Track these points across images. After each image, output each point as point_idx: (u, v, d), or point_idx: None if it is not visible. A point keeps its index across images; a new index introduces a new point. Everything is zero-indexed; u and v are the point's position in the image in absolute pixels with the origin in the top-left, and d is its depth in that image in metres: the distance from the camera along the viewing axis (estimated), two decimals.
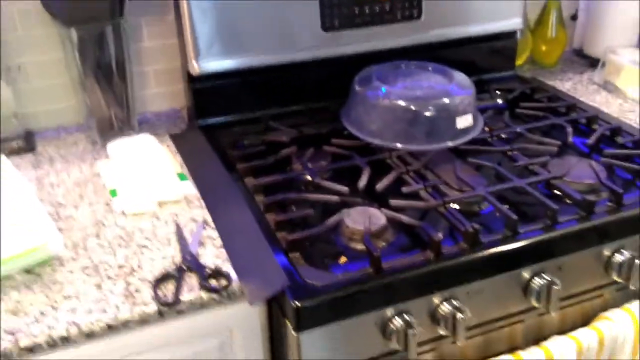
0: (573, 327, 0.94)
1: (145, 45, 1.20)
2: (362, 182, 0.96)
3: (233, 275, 0.79)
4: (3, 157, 0.98)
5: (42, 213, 0.86)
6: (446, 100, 1.03)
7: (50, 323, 0.73)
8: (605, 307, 0.96)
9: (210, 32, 1.10)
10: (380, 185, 0.95)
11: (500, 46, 1.35)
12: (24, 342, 0.71)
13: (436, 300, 0.83)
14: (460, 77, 1.10)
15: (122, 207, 0.93)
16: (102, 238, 0.88)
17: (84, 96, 1.11)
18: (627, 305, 0.95)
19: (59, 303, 0.76)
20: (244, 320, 0.81)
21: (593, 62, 1.43)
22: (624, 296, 0.98)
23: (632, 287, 0.92)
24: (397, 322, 0.80)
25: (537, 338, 0.93)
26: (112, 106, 1.13)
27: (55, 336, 0.71)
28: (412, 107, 1.02)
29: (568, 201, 0.93)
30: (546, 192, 0.96)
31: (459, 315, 0.80)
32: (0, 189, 0.88)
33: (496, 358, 0.86)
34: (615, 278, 0.93)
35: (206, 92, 1.15)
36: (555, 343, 0.88)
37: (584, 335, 0.89)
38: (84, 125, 1.18)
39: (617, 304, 0.96)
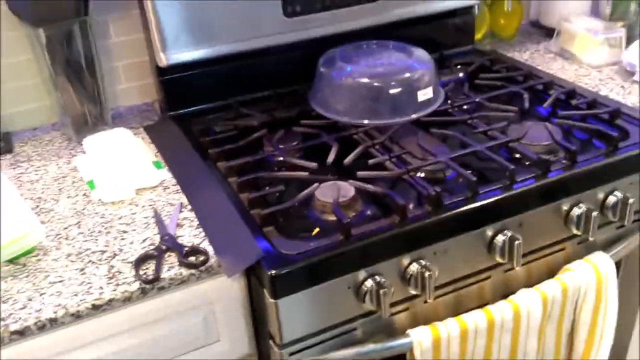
0: (539, 281, 0.98)
1: (113, 42, 1.23)
2: (331, 157, 1.00)
3: (210, 251, 0.83)
4: None
5: (24, 207, 0.89)
6: (407, 75, 1.08)
7: (37, 307, 0.76)
8: (568, 260, 1.01)
9: (175, 24, 1.12)
10: (348, 160, 0.99)
11: (458, 22, 1.40)
12: (14, 327, 0.74)
13: (405, 261, 0.87)
14: (420, 52, 1.14)
15: (101, 197, 0.97)
16: (83, 227, 0.91)
17: (57, 95, 1.14)
18: (588, 257, 1.00)
19: (45, 289, 0.79)
20: (224, 293, 0.85)
21: (549, 32, 1.48)
22: (586, 249, 1.03)
23: (591, 239, 0.98)
24: (369, 283, 0.84)
25: (505, 293, 0.97)
26: (85, 103, 1.16)
27: (43, 318, 0.75)
28: (375, 84, 1.07)
29: (526, 162, 0.98)
30: (506, 155, 1.01)
31: (427, 273, 0.85)
32: None
33: (466, 314, 0.91)
34: (575, 231, 0.98)
35: (176, 83, 1.19)
36: (521, 296, 0.93)
37: (548, 287, 0.95)
38: (59, 123, 1.21)
39: (580, 256, 1.02)
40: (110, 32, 1.22)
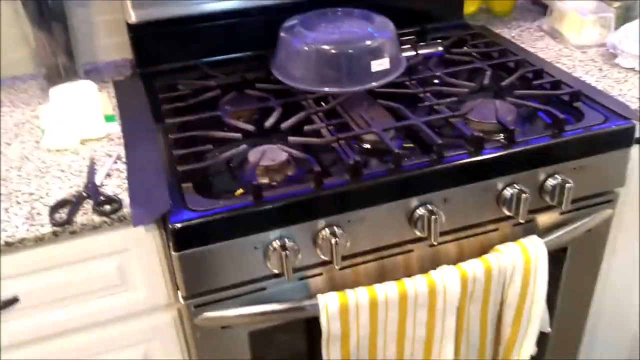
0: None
1: None
2: (269, 121, 1.02)
3: (126, 201, 0.87)
4: None
5: None
6: (361, 44, 1.07)
7: None
8: (504, 242, 1.00)
9: None
10: (285, 125, 1.00)
11: None
12: None
13: (319, 226, 0.88)
14: (382, 21, 1.12)
15: (47, 144, 1.02)
16: (22, 170, 0.96)
17: (31, 46, 1.19)
18: (521, 240, 0.98)
19: None
20: (139, 243, 0.89)
21: (546, 10, 1.43)
22: (525, 232, 1.01)
23: (520, 220, 0.96)
24: (276, 244, 0.86)
25: (433, 269, 0.97)
26: (58, 55, 1.21)
27: None
28: (328, 50, 1.06)
29: (461, 139, 0.96)
30: (444, 131, 0.99)
31: (333, 240, 0.86)
32: None
33: (380, 284, 0.91)
34: (506, 212, 0.96)
35: (145, 41, 1.22)
36: (439, 272, 0.93)
37: (469, 265, 0.93)
38: (37, 74, 1.26)
39: (516, 239, 0.99)
40: None
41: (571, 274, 1.10)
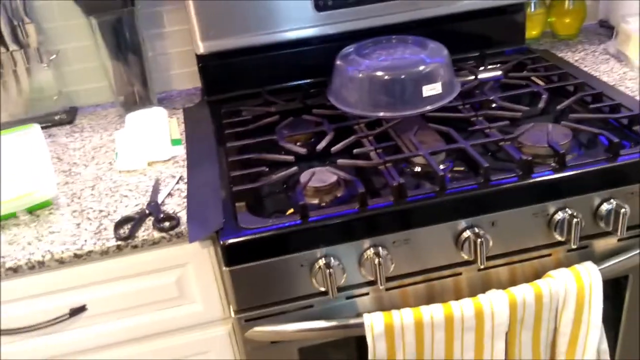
0: None
1: (166, 31, 1.37)
2: (321, 145, 1.05)
3: (184, 219, 0.93)
4: (36, 126, 1.18)
5: (47, 166, 1.04)
6: (412, 69, 1.09)
7: (32, 250, 0.90)
8: (558, 268, 0.98)
9: (212, 15, 1.23)
10: (335, 148, 1.04)
11: (507, 20, 1.36)
12: (9, 264, 0.89)
13: (364, 246, 0.91)
14: (435, 47, 1.14)
15: (119, 166, 1.10)
16: (95, 190, 1.05)
17: (109, 76, 1.30)
18: (575, 265, 0.96)
19: (44, 237, 0.93)
20: (196, 258, 0.94)
21: (613, 33, 1.40)
22: (580, 258, 0.99)
23: (573, 246, 0.94)
24: (321, 263, 0.89)
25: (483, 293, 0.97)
26: (134, 84, 1.31)
27: (33, 260, 0.89)
28: (379, 77, 1.09)
29: (510, 162, 0.96)
30: (495, 154, 0.99)
31: (377, 260, 0.88)
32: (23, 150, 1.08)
33: (426, 306, 0.92)
34: (557, 237, 0.95)
35: (212, 70, 1.30)
36: (487, 296, 0.92)
37: (519, 290, 0.92)
38: (116, 102, 1.37)
39: (571, 265, 0.97)
40: (164, 21, 1.36)
41: (633, 301, 1.06)
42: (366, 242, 0.90)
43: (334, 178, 0.98)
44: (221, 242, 0.87)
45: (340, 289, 0.91)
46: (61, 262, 0.90)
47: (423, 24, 1.30)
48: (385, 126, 1.09)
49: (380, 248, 0.90)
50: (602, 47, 1.39)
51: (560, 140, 0.99)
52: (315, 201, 0.96)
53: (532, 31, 1.44)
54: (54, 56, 1.31)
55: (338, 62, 1.17)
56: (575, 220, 0.92)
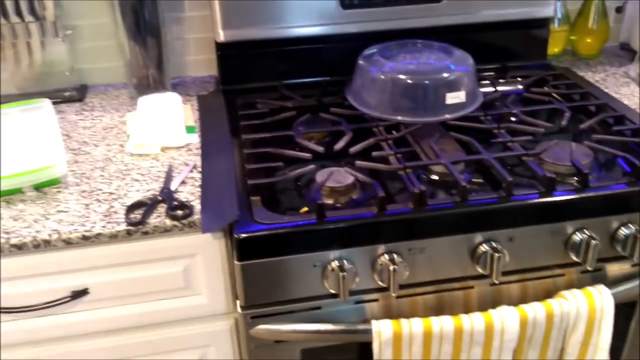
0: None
1: (186, 15, 1.34)
2: (339, 145, 1.04)
3: (197, 208, 0.91)
4: (48, 101, 1.16)
5: (58, 144, 1.02)
6: (436, 75, 1.08)
7: (38, 228, 0.88)
8: (570, 288, 0.97)
9: (235, 3, 1.21)
10: (353, 149, 1.02)
11: (530, 34, 1.35)
12: (14, 241, 0.86)
13: (379, 252, 0.89)
14: (461, 55, 1.13)
15: (131, 148, 1.08)
16: (105, 171, 1.02)
17: (125, 57, 1.27)
18: (587, 287, 0.95)
19: (51, 215, 0.91)
20: (206, 249, 0.92)
21: (635, 56, 1.39)
22: (593, 280, 0.98)
23: (588, 268, 0.93)
24: (334, 265, 0.87)
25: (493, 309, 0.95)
26: (149, 67, 1.29)
27: (39, 238, 0.86)
28: (402, 80, 1.08)
29: (533, 178, 0.95)
30: (516, 169, 0.98)
31: (391, 267, 0.86)
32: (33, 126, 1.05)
33: (436, 317, 0.90)
34: (573, 258, 0.93)
35: (231, 60, 1.27)
36: (498, 311, 0.91)
37: (530, 308, 0.91)
38: (129, 83, 1.34)
39: (583, 286, 0.96)
40: (184, 6, 1.33)
41: (638, 330, 1.05)
42: (381, 248, 0.89)
43: (350, 179, 0.96)
44: (235, 236, 0.84)
45: (350, 293, 0.90)
46: (68, 243, 0.87)
47: (447, 31, 1.28)
48: (403, 131, 1.07)
49: (395, 255, 0.88)
50: (623, 70, 1.38)
51: (582, 159, 0.98)
52: (330, 201, 0.94)
53: (553, 48, 1.42)
54: (70, 32, 1.28)
55: (360, 62, 1.15)
56: (593, 242, 0.90)
